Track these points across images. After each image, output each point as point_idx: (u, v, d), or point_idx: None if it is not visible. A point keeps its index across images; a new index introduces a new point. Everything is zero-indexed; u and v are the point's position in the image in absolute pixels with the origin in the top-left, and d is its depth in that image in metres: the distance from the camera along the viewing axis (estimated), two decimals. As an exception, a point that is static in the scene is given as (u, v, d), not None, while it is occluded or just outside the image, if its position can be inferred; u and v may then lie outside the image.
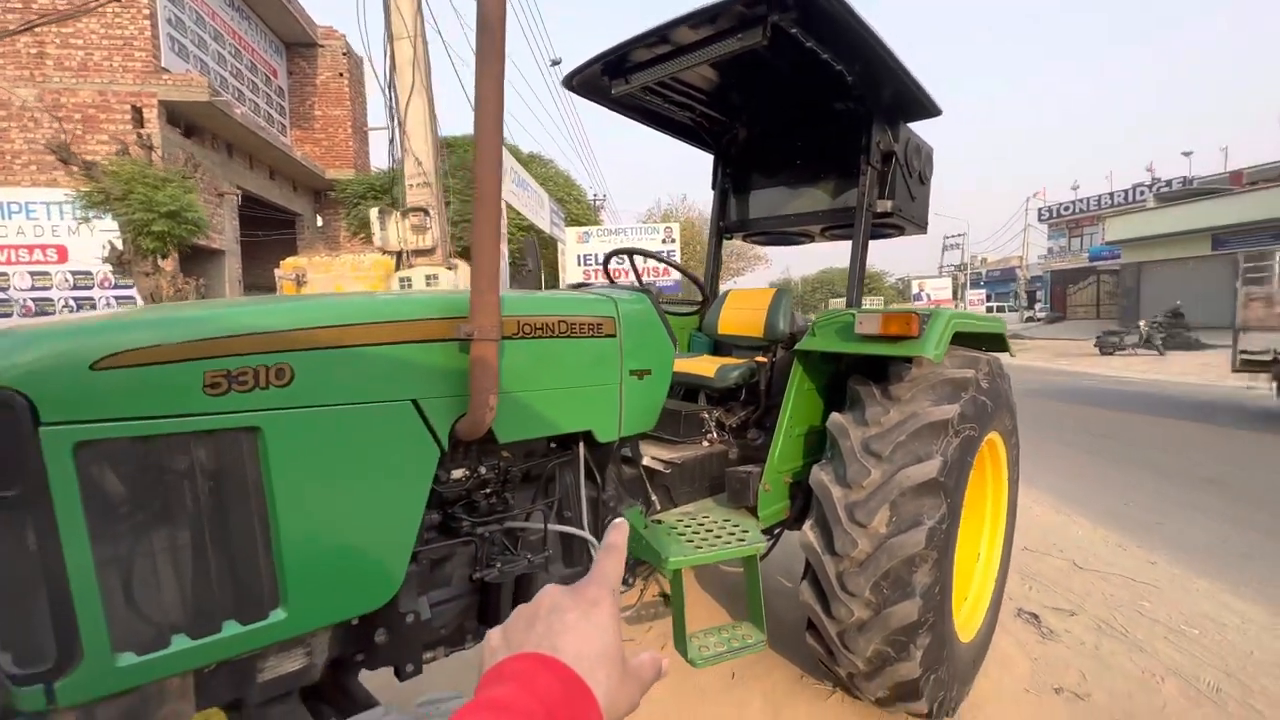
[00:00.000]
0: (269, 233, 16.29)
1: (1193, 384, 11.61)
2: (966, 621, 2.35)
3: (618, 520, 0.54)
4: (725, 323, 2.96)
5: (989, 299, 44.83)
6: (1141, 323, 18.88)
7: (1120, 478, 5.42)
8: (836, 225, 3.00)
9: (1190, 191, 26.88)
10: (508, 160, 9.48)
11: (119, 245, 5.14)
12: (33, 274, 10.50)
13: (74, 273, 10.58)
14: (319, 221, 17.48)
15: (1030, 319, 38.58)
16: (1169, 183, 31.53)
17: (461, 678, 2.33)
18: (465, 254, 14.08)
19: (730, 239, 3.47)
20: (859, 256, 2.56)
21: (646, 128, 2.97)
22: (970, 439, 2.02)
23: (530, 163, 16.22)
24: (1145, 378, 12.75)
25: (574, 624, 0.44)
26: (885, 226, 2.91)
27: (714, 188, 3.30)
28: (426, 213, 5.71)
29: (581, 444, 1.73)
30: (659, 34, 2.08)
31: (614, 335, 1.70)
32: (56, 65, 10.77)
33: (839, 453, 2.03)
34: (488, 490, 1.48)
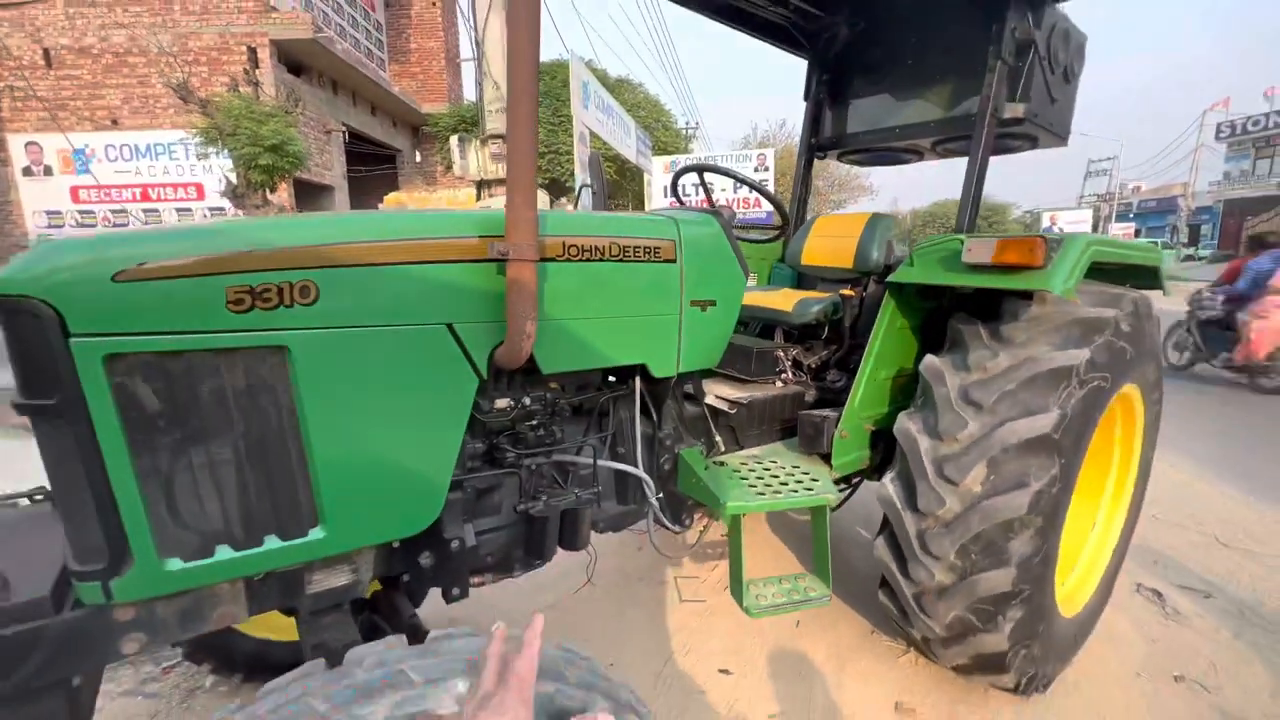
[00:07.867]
0: (372, 168, 17.08)
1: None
2: (1072, 594, 2.09)
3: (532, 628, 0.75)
4: (810, 252, 2.67)
5: (1138, 235, 38.77)
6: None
7: (1289, 444, 4.59)
8: (953, 137, 2.56)
9: None
10: (591, 84, 9.09)
11: (233, 179, 5.57)
12: (179, 210, 11.74)
13: (211, 209, 11.70)
14: (418, 157, 18.05)
15: (1189, 258, 32.83)
16: None
17: (511, 603, 2.43)
18: (549, 186, 13.95)
19: (823, 158, 3.09)
20: (977, 171, 2.17)
21: (738, 38, 2.64)
22: (1099, 390, 1.70)
23: (618, 88, 15.60)
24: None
25: None
26: (1013, 137, 2.45)
27: (806, 98, 2.92)
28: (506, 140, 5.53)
29: (637, 378, 1.63)
30: None
31: (674, 261, 1.54)
32: (183, 10, 11.50)
33: (931, 400, 1.78)
34: (534, 422, 1.42)
